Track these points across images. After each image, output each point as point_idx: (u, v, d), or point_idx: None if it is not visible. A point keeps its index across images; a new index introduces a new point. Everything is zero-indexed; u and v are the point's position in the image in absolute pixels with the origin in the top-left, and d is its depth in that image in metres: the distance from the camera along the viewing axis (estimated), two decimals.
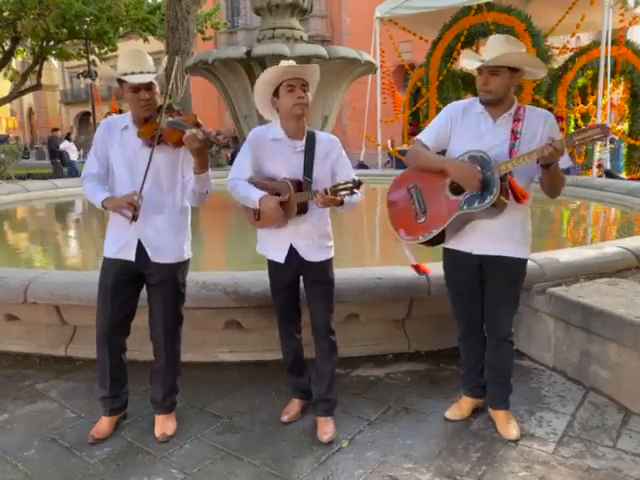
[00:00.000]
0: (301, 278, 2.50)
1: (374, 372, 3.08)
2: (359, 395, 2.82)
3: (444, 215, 2.32)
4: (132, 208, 2.23)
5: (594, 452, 2.31)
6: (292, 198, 2.27)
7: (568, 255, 3.47)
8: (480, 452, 2.32)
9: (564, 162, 2.23)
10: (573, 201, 8.17)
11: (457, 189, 2.29)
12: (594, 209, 7.84)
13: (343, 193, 2.16)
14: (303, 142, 2.37)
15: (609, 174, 10.93)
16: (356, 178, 2.21)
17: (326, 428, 2.44)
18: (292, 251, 2.40)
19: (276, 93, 2.33)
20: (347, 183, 2.16)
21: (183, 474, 2.19)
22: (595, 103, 11.46)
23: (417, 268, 2.72)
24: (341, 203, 2.27)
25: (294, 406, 2.63)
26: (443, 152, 2.45)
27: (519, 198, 2.23)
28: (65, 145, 16.49)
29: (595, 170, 11.03)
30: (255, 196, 2.31)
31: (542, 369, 3.10)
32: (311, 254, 2.41)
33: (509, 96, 2.31)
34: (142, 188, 2.27)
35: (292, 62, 2.36)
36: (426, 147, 2.43)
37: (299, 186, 2.31)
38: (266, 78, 2.32)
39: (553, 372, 3.06)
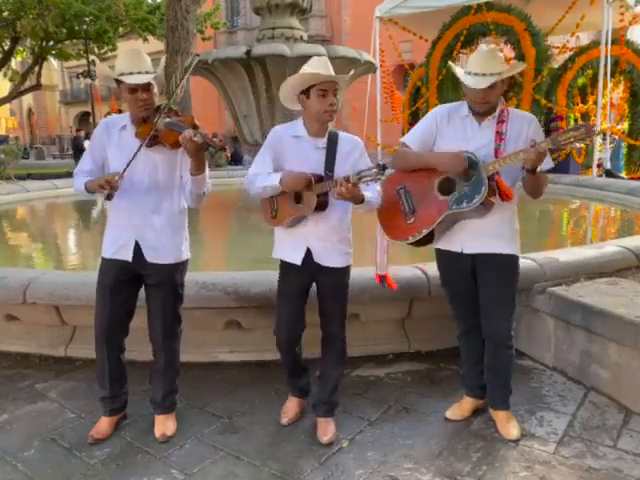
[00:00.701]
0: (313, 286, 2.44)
1: (374, 372, 3.07)
2: (359, 395, 2.82)
3: (433, 215, 2.34)
4: (108, 186, 2.22)
5: (595, 452, 2.31)
6: (312, 189, 2.21)
7: (568, 255, 3.47)
8: (480, 452, 2.32)
9: (546, 163, 2.25)
10: (573, 201, 8.17)
11: (446, 189, 2.31)
12: (594, 209, 7.84)
13: (367, 179, 2.07)
14: (325, 140, 2.33)
15: (609, 173, 10.93)
16: (381, 163, 2.11)
17: (326, 429, 2.43)
18: (309, 254, 2.34)
19: (306, 92, 2.26)
20: (371, 168, 2.07)
21: (183, 474, 2.19)
22: (595, 102, 11.45)
23: (384, 279, 2.69)
24: (362, 201, 2.19)
25: (293, 406, 2.58)
26: None
27: (504, 198, 2.26)
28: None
29: (595, 170, 11.03)
30: (275, 177, 2.25)
31: (542, 369, 3.10)
32: (328, 258, 2.34)
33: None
34: (124, 171, 2.26)
35: (325, 59, 2.27)
36: (410, 149, 2.45)
37: (320, 180, 2.25)
38: (300, 79, 2.25)
39: (553, 372, 3.05)
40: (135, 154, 2.26)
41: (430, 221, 2.35)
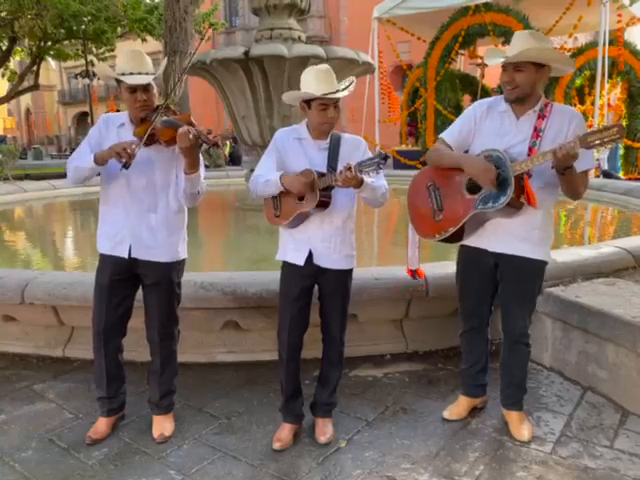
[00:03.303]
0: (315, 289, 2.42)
1: (372, 372, 3.08)
2: (357, 395, 2.82)
3: (460, 214, 2.29)
4: (126, 154, 2.19)
5: (591, 452, 2.31)
6: (315, 183, 2.19)
7: (566, 255, 3.47)
8: (478, 452, 2.33)
9: (586, 162, 2.17)
10: (570, 201, 8.17)
11: (473, 188, 2.25)
12: (592, 209, 7.85)
13: (369, 169, 2.06)
14: (327, 141, 2.34)
15: (606, 174, 10.95)
16: (383, 152, 2.11)
17: (324, 429, 2.44)
18: (311, 255, 2.33)
19: (307, 101, 2.27)
20: (372, 158, 2.07)
21: (181, 475, 2.19)
22: (593, 103, 11.48)
23: (416, 273, 2.67)
24: (361, 182, 2.15)
25: (287, 433, 2.42)
26: (466, 152, 2.41)
27: (528, 201, 2.18)
28: None
29: (593, 170, 11.05)
30: (274, 176, 2.24)
31: (540, 369, 3.11)
32: (329, 260, 2.33)
33: (535, 93, 2.25)
34: (142, 141, 2.24)
35: (328, 71, 2.24)
36: (448, 146, 2.40)
37: (322, 177, 2.24)
38: (300, 95, 2.26)
39: (551, 372, 3.06)
40: (145, 137, 2.24)
41: (456, 220, 2.31)
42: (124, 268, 2.40)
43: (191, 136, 2.12)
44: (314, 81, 2.23)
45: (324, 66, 2.28)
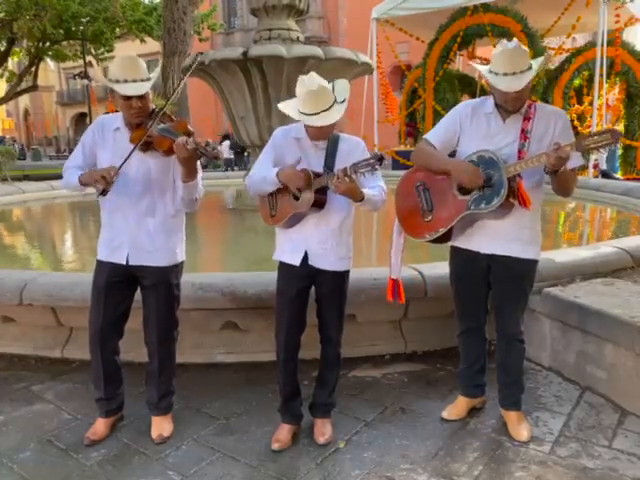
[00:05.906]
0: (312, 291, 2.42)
1: (371, 373, 3.08)
2: (356, 396, 2.82)
3: (451, 215, 2.30)
4: (104, 182, 2.19)
5: (590, 452, 2.32)
6: (310, 182, 2.19)
7: (564, 255, 3.47)
8: (477, 452, 2.33)
9: (576, 160, 2.19)
10: (569, 201, 8.19)
11: (465, 189, 2.26)
12: (590, 209, 7.86)
13: (364, 170, 2.05)
14: (325, 141, 2.33)
15: (605, 174, 10.97)
16: (378, 153, 2.10)
17: (323, 429, 2.43)
18: (307, 256, 2.33)
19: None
20: (367, 159, 2.06)
21: (180, 475, 2.19)
22: (591, 104, 11.50)
23: (397, 287, 2.60)
24: (362, 199, 2.16)
25: (285, 433, 2.42)
26: (453, 153, 2.42)
27: (521, 203, 2.19)
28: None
29: (591, 171, 11.06)
30: (272, 172, 2.24)
31: (538, 369, 3.11)
32: (325, 261, 2.33)
33: None
34: (120, 167, 2.23)
35: (317, 91, 2.14)
36: (432, 147, 2.40)
37: (318, 177, 2.23)
38: (293, 114, 2.25)
39: (549, 372, 3.06)
40: (130, 154, 2.24)
41: (448, 220, 2.31)
42: (122, 272, 2.39)
43: (189, 147, 2.09)
44: (302, 102, 2.18)
45: (314, 85, 2.16)
